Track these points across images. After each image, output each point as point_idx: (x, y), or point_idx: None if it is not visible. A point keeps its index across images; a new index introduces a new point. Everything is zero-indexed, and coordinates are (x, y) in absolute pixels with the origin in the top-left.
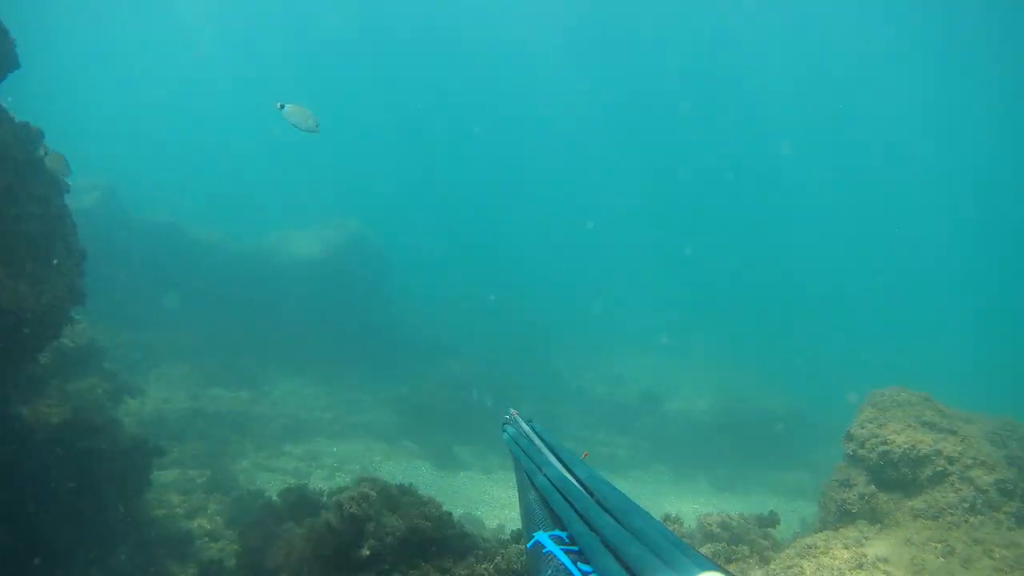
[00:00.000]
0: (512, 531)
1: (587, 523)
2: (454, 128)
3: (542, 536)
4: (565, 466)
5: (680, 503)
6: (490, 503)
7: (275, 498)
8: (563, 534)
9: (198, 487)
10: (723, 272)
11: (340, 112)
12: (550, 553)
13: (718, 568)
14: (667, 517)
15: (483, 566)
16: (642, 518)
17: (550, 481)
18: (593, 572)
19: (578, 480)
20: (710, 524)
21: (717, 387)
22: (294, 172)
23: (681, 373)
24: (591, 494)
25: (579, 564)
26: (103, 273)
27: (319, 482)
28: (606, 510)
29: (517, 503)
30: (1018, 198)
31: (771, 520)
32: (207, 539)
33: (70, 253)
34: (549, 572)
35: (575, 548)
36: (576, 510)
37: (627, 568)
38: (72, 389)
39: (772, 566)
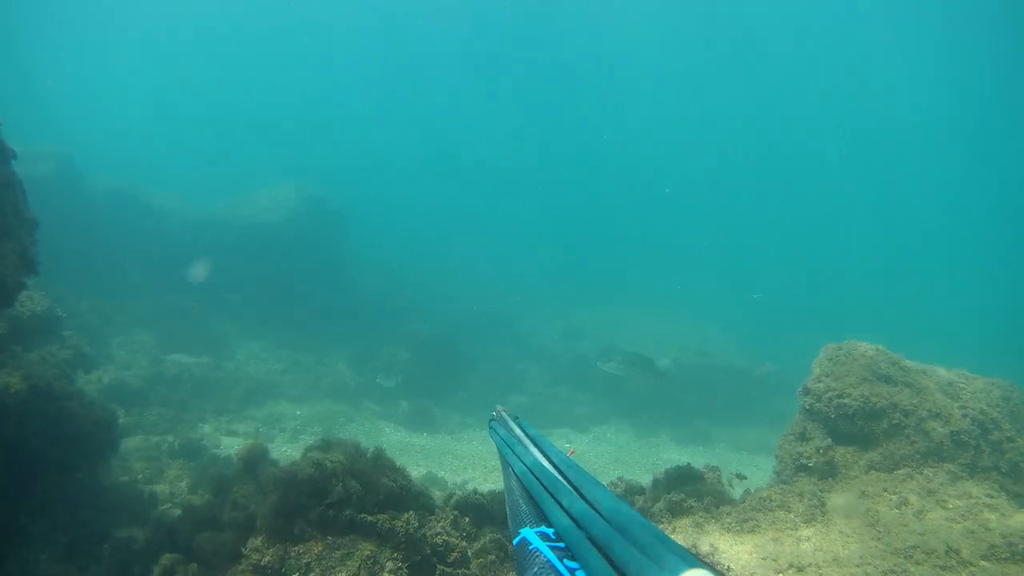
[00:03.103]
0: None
1: (573, 519)
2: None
3: (528, 533)
4: (551, 462)
5: (643, 457)
6: (453, 462)
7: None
8: (549, 531)
9: (161, 452)
10: (690, 230)
11: (303, 78)
12: (536, 550)
13: (704, 565)
14: (619, 478)
15: (440, 524)
16: (629, 515)
17: (536, 477)
18: (580, 569)
19: (564, 476)
20: (662, 480)
21: (681, 343)
22: (253, 137)
23: (644, 329)
24: (578, 490)
25: (565, 561)
26: (59, 241)
27: (282, 444)
28: (592, 506)
29: (481, 461)
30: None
31: (716, 470)
32: (169, 504)
33: (21, 221)
34: (535, 569)
35: (561, 545)
36: (562, 506)
37: (613, 565)
38: (30, 358)
39: (727, 520)
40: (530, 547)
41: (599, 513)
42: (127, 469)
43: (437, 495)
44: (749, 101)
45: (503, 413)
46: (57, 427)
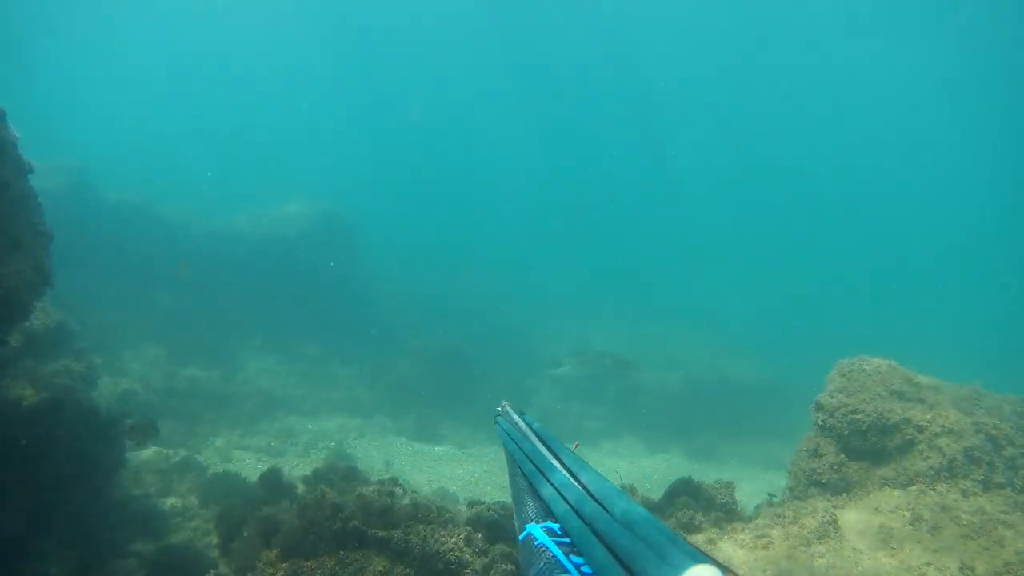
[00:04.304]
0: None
1: (579, 515)
2: (428, 114)
3: (534, 528)
4: (557, 458)
5: (654, 472)
6: (464, 477)
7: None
8: (555, 526)
9: (172, 466)
10: (697, 246)
11: (317, 95)
12: (542, 545)
13: (710, 560)
14: (630, 488)
15: (453, 540)
16: (634, 510)
17: (541, 472)
18: (585, 564)
19: (570, 472)
20: (677, 495)
21: (692, 357)
22: (268, 152)
23: (656, 344)
24: (583, 486)
25: (571, 556)
26: (74, 254)
27: (294, 459)
28: (598, 502)
29: (492, 476)
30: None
31: (731, 487)
32: (181, 518)
33: (36, 234)
34: (541, 564)
35: (567, 540)
36: (568, 502)
37: (619, 560)
38: (44, 371)
39: (741, 536)
40: (536, 542)
41: (604, 508)
42: (139, 482)
43: (449, 510)
44: (755, 107)
45: (508, 408)
46: (69, 440)
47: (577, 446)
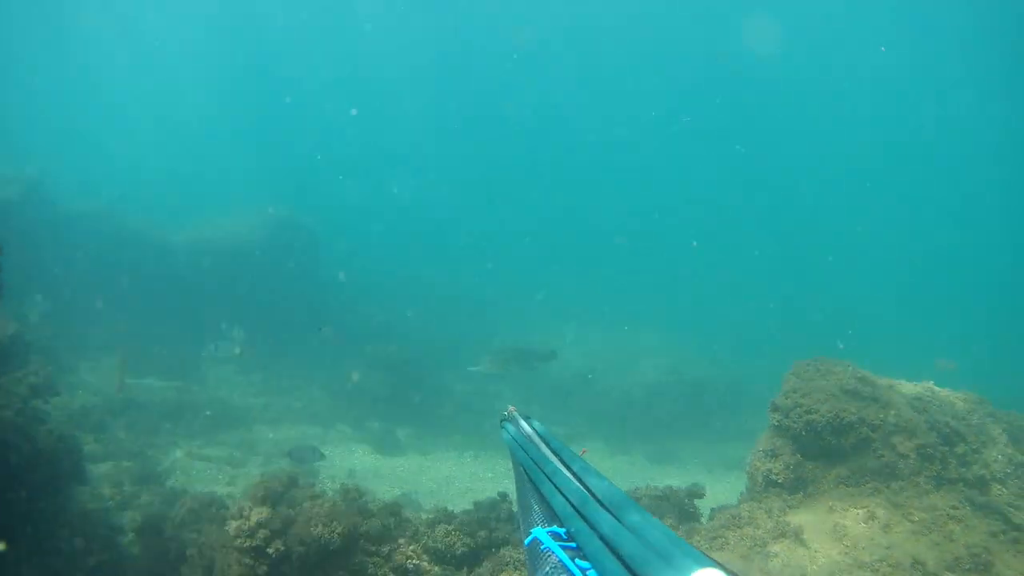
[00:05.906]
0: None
1: (585, 519)
2: (391, 109)
3: (540, 533)
4: (563, 462)
5: (616, 475)
6: (428, 484)
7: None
8: (561, 530)
9: (131, 479)
10: (661, 246)
11: (274, 97)
12: (548, 549)
13: (716, 564)
14: None
15: (412, 547)
16: (640, 515)
17: (547, 477)
18: (591, 569)
19: (576, 476)
20: (638, 497)
21: (654, 361)
22: (225, 157)
23: (618, 348)
24: (589, 490)
25: (577, 560)
26: (28, 265)
27: (255, 469)
28: (604, 506)
29: (458, 483)
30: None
31: (698, 491)
32: None
33: None
34: (547, 569)
35: (573, 545)
36: (574, 506)
37: (625, 564)
38: None
39: (697, 537)
40: (542, 547)
41: (611, 512)
42: (97, 496)
43: (412, 518)
44: (730, 110)
45: (515, 413)
46: (18, 457)
47: (584, 452)
